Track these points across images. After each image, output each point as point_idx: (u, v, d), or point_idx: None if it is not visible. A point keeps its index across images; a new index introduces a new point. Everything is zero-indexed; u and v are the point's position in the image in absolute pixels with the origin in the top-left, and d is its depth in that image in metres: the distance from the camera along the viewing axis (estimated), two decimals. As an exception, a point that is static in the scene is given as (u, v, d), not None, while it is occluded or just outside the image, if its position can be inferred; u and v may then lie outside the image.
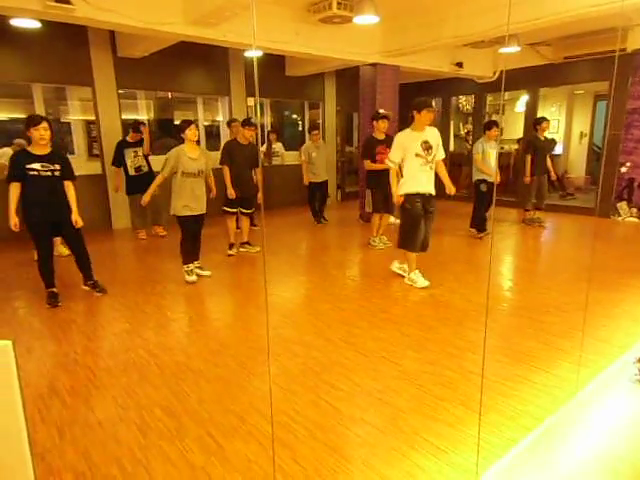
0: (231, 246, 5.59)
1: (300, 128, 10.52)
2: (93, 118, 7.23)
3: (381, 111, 5.90)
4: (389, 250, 5.80)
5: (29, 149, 3.76)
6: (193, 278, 4.54)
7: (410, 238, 4.26)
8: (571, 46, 7.61)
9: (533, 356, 2.97)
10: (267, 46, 5.98)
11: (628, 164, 7.58)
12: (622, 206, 7.70)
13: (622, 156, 7.61)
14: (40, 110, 6.84)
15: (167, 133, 8.54)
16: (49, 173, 3.76)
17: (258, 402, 2.49)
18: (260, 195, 5.79)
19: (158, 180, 4.38)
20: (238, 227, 5.85)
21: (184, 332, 3.56)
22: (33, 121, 3.68)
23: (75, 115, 7.66)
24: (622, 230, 7.14)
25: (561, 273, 4.88)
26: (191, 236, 4.51)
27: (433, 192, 4.24)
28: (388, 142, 5.63)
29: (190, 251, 4.56)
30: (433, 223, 4.42)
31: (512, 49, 7.32)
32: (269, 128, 9.74)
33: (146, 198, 4.44)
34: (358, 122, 8.81)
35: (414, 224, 4.21)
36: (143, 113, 8.13)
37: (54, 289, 4.03)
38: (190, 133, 4.34)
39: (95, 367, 2.93)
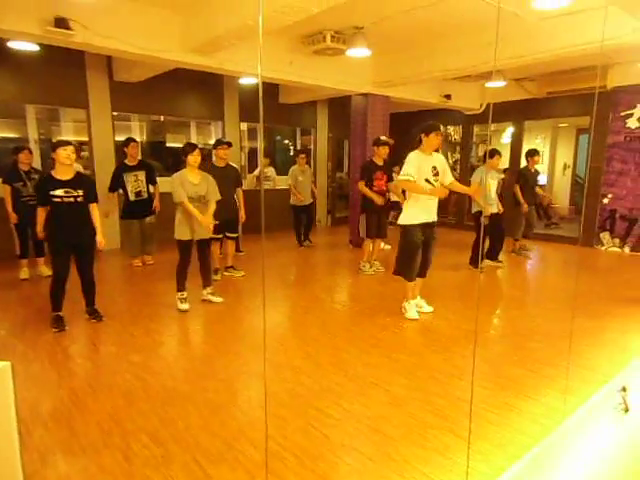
0: (216, 271, 5.47)
1: (291, 153, 10.68)
2: (86, 139, 7.27)
3: (383, 138, 5.99)
4: (379, 275, 5.84)
5: (53, 173, 3.77)
6: (185, 307, 4.39)
7: (407, 266, 4.20)
8: (554, 82, 7.93)
9: (520, 383, 2.99)
10: (263, 74, 6.12)
11: (610, 196, 7.81)
12: (605, 236, 7.90)
13: (604, 188, 7.85)
14: (32, 130, 6.87)
15: (158, 156, 8.60)
16: (71, 199, 3.78)
17: (246, 428, 2.46)
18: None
19: (189, 207, 4.21)
20: (221, 252, 5.76)
21: (172, 356, 3.52)
22: (60, 143, 3.77)
23: (68, 136, 7.69)
24: (605, 259, 7.30)
25: (547, 301, 4.95)
26: (189, 262, 4.40)
27: (435, 218, 4.18)
28: (386, 169, 5.82)
29: (184, 277, 4.43)
30: (432, 248, 4.27)
31: (498, 84, 7.62)
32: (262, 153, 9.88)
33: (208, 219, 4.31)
34: (349, 149, 8.99)
35: (412, 253, 4.13)
36: (136, 135, 8.20)
37: (60, 312, 3.93)
38: (192, 159, 4.28)
39: (80, 391, 2.87)
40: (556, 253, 7.68)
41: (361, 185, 5.74)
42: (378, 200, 5.64)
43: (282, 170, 10.09)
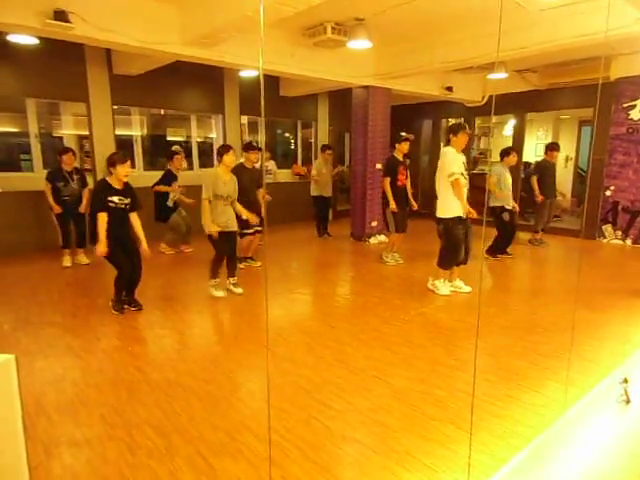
0: (241, 260, 5.66)
1: (292, 147, 10.65)
2: (86, 133, 7.26)
3: (403, 134, 6.12)
4: (391, 268, 5.85)
5: (109, 180, 4.01)
6: (220, 293, 4.61)
7: (453, 259, 4.57)
8: (556, 73, 7.87)
9: (522, 375, 3.00)
10: (264, 67, 6.08)
11: (612, 188, 7.78)
12: (607, 228, 7.88)
13: (606, 180, 7.82)
14: (33, 124, 6.86)
15: (159, 149, 8.58)
16: (123, 206, 4.06)
17: (248, 420, 2.48)
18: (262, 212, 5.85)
19: (205, 207, 4.40)
20: None
21: (174, 349, 3.54)
22: (120, 159, 3.97)
23: (68, 130, 7.68)
24: (607, 252, 7.28)
25: (548, 293, 4.96)
26: (224, 253, 4.60)
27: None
28: (406, 164, 5.95)
29: (219, 267, 4.65)
30: (470, 237, 4.68)
31: (500, 75, 7.55)
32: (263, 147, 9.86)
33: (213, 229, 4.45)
34: (350, 141, 8.96)
35: (457, 247, 4.51)
36: (137, 129, 8.18)
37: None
38: (228, 159, 4.50)
39: (83, 384, 2.89)
40: (558, 246, 7.66)
41: (386, 183, 5.79)
42: (393, 206, 5.74)
43: (283, 163, 10.08)
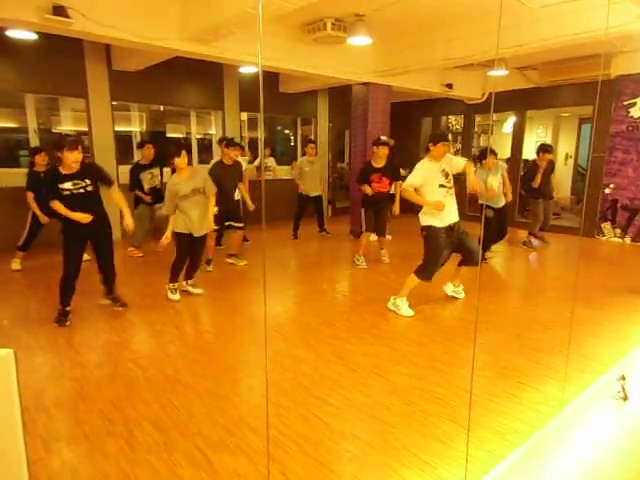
0: (209, 262, 5.50)
1: (292, 143, 10.63)
2: (85, 129, 7.24)
3: (382, 138, 5.83)
4: (379, 266, 5.85)
5: (60, 168, 3.63)
6: (177, 297, 4.45)
7: (429, 270, 4.10)
8: (556, 71, 7.85)
9: (520, 372, 3.01)
10: (264, 63, 6.07)
11: (612, 186, 7.78)
12: (606, 226, 7.88)
13: (606, 178, 7.82)
14: (32, 120, 6.84)
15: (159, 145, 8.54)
16: (81, 190, 3.65)
17: (247, 416, 2.48)
18: (259, 207, 5.83)
19: (171, 223, 4.27)
20: (219, 244, 6.01)
21: (173, 345, 3.54)
22: (68, 144, 3.53)
23: (67, 126, 7.66)
24: (606, 250, 7.29)
25: (547, 291, 4.96)
26: (185, 255, 4.43)
27: (457, 218, 4.12)
28: (385, 171, 5.63)
29: (180, 270, 4.48)
30: (470, 238, 4.21)
31: (500, 72, 7.54)
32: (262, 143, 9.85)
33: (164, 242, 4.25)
34: (350, 139, 8.94)
35: (436, 257, 4.06)
36: (136, 125, 8.16)
37: (69, 307, 3.85)
38: (179, 161, 4.27)
39: (82, 380, 2.90)
40: (557, 243, 7.66)
41: (365, 188, 5.67)
42: (368, 190, 5.60)
43: (282, 160, 10.06)
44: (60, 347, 3.40)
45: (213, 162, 5.83)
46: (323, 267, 6.17)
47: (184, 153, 4.30)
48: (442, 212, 3.99)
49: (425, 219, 4.10)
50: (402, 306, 4.14)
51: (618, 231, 7.77)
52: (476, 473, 2.03)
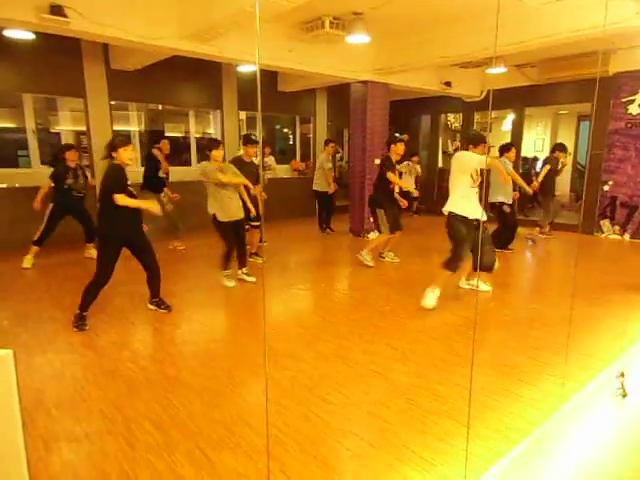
0: (250, 255, 5.67)
1: (291, 142, 10.63)
2: (84, 128, 7.23)
3: (397, 135, 5.97)
4: (379, 265, 5.85)
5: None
6: (232, 284, 4.82)
7: (455, 260, 4.17)
8: (555, 68, 7.85)
9: (519, 369, 3.01)
10: (262, 62, 6.06)
11: (610, 182, 7.79)
12: (605, 223, 7.89)
13: (605, 175, 7.82)
14: (30, 120, 6.83)
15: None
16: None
17: (247, 415, 2.49)
18: (259, 209, 5.79)
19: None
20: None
21: (173, 344, 3.54)
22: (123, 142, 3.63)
23: (65, 125, 7.65)
24: (605, 247, 7.30)
25: (546, 288, 4.97)
26: (233, 242, 4.77)
27: (483, 217, 4.06)
28: (399, 169, 5.78)
29: (231, 257, 4.84)
30: (490, 244, 4.36)
31: (498, 70, 7.54)
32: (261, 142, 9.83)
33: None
34: (348, 137, 8.94)
35: (460, 246, 4.14)
36: (134, 124, 8.15)
37: (86, 312, 3.76)
38: (217, 154, 4.66)
39: (82, 379, 2.90)
40: (556, 240, 7.67)
41: (393, 176, 5.43)
42: (411, 188, 5.76)
43: (282, 159, 10.05)
44: (60, 347, 3.40)
45: (233, 157, 5.83)
46: (323, 265, 6.17)
47: (221, 146, 4.78)
48: (469, 204, 4.11)
49: (451, 206, 4.18)
50: (429, 296, 4.23)
51: (617, 228, 7.77)
52: (476, 470, 2.03)
